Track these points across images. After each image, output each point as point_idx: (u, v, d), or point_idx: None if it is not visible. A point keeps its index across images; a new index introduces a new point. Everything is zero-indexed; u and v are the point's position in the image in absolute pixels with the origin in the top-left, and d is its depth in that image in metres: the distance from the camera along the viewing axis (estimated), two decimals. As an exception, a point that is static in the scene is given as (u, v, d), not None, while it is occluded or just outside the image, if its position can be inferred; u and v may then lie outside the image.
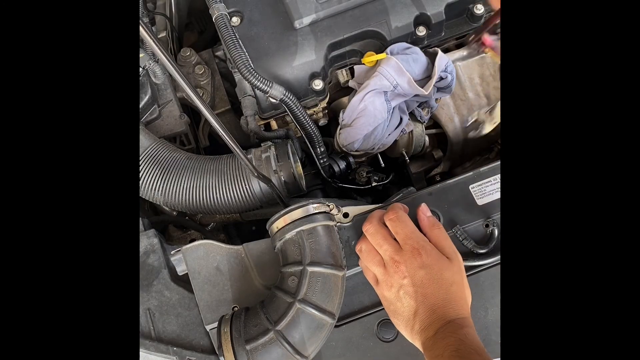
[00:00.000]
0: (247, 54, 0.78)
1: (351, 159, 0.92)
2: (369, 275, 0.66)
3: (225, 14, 0.80)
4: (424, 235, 0.65)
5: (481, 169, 0.73)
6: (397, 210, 0.66)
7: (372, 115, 0.82)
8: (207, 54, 0.99)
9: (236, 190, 0.77)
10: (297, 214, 0.65)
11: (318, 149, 0.87)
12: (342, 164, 0.91)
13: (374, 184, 0.91)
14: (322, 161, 0.89)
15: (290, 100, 0.80)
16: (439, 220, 0.70)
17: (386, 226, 0.66)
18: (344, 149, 0.89)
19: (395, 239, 0.64)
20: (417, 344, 0.61)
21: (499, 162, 0.73)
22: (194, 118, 0.99)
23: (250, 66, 0.77)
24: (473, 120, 0.91)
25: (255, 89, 0.79)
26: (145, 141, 0.79)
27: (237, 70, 0.79)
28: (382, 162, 0.91)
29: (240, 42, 0.80)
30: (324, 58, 0.83)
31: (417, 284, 0.60)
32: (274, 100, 0.80)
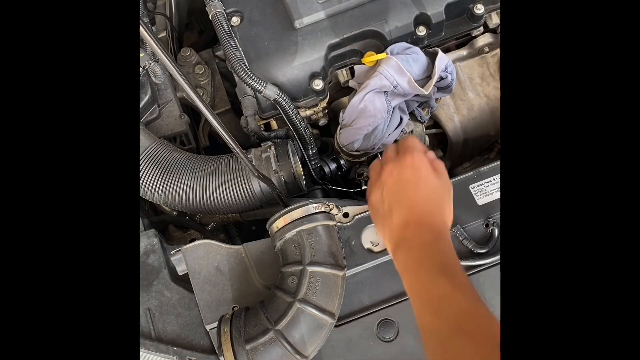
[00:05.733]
0: (242, 52, 0.78)
1: (342, 161, 0.91)
2: (370, 201, 0.67)
3: (222, 12, 0.80)
4: None
5: (481, 169, 0.73)
6: (412, 137, 0.69)
7: (372, 115, 0.82)
8: (207, 54, 0.99)
9: (236, 190, 0.77)
10: (297, 213, 0.65)
11: (310, 151, 0.87)
12: (333, 166, 0.91)
13: (364, 187, 0.90)
14: (312, 163, 0.89)
15: (284, 100, 0.79)
16: None
17: None
18: (344, 148, 0.89)
19: None
20: (391, 246, 0.61)
21: (499, 162, 0.74)
22: (194, 118, 0.99)
23: (245, 65, 0.76)
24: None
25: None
26: (145, 141, 0.79)
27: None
28: (382, 162, 0.91)
29: (237, 40, 0.79)
30: (324, 58, 0.83)
31: (402, 180, 0.62)
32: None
